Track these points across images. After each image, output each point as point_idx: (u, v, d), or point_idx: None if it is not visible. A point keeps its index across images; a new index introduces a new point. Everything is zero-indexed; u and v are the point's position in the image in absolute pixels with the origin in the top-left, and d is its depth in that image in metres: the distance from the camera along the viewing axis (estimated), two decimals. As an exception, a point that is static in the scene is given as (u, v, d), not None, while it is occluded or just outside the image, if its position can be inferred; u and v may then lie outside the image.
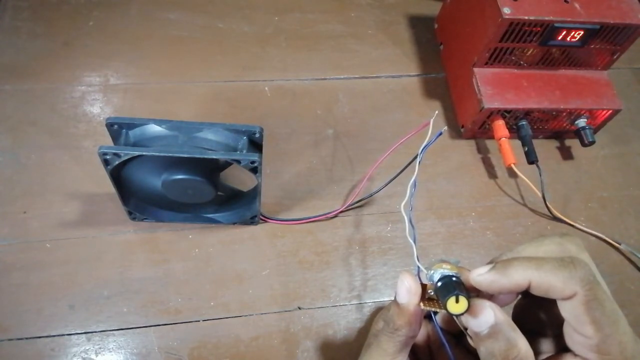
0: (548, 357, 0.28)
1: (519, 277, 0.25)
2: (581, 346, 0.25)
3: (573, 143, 0.58)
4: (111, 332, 0.42)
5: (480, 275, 0.26)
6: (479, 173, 0.55)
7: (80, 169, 0.49)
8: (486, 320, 0.25)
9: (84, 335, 0.42)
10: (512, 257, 0.27)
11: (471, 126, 0.54)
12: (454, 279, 0.26)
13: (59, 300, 0.43)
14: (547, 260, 0.25)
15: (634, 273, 0.51)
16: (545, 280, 0.24)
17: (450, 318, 0.33)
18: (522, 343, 0.25)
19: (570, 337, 0.25)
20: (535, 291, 0.25)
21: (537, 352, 0.29)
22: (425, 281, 0.28)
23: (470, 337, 0.28)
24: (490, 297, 0.27)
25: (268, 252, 0.47)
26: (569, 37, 0.50)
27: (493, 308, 0.26)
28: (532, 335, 0.29)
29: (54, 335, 0.42)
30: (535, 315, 0.29)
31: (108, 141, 0.40)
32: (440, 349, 0.33)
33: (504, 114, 0.53)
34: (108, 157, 0.37)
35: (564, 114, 0.53)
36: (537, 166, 0.52)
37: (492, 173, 0.55)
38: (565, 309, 0.25)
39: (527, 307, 0.30)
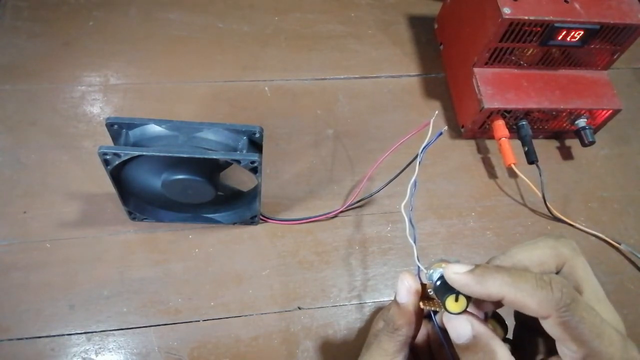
0: (542, 359, 0.28)
1: (493, 289, 0.24)
2: (569, 358, 0.25)
3: (573, 143, 0.58)
4: (111, 332, 0.42)
5: (455, 274, 0.25)
6: (479, 173, 0.55)
7: (80, 169, 0.49)
8: (464, 333, 0.26)
9: (84, 335, 0.42)
10: (495, 265, 0.27)
11: (471, 126, 0.54)
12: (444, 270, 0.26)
13: (59, 300, 0.43)
14: (525, 278, 0.24)
15: (634, 273, 0.51)
16: (519, 299, 0.24)
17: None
18: (501, 353, 0.25)
19: (560, 348, 0.25)
20: (509, 306, 0.25)
21: (536, 352, 0.29)
22: (425, 281, 0.28)
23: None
24: (481, 300, 0.27)
25: (268, 252, 0.47)
26: (569, 37, 0.50)
27: (471, 320, 0.26)
28: (533, 334, 0.29)
29: (54, 335, 0.42)
30: None
31: (108, 141, 0.40)
32: (440, 349, 0.33)
33: (504, 114, 0.53)
34: (108, 157, 0.37)
35: (564, 114, 0.53)
36: (537, 166, 0.52)
37: (492, 173, 0.55)
38: (545, 326, 0.24)
39: None
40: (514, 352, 0.28)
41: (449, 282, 0.26)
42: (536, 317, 0.24)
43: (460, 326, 0.26)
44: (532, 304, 0.24)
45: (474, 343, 0.25)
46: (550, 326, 0.24)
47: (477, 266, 0.26)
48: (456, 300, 0.25)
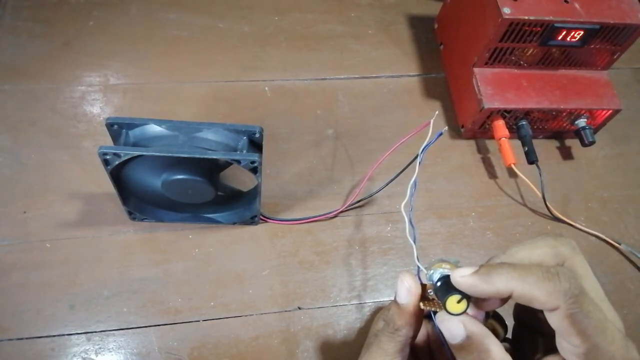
0: (539, 357, 0.28)
1: (501, 285, 0.25)
2: (570, 353, 0.25)
3: (573, 143, 0.58)
4: (111, 332, 0.42)
5: (462, 277, 0.26)
6: (479, 173, 0.55)
7: (80, 169, 0.49)
8: (458, 333, 0.26)
9: (84, 335, 0.42)
10: (500, 262, 0.27)
11: (471, 126, 0.54)
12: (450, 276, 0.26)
13: (59, 300, 0.43)
14: (532, 270, 0.24)
15: (634, 273, 0.51)
16: (527, 292, 0.24)
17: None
18: (495, 351, 0.25)
19: (560, 343, 0.25)
20: (517, 301, 0.25)
21: (535, 350, 0.29)
22: (425, 281, 0.28)
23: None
24: (481, 300, 0.27)
25: (268, 252, 0.47)
26: (569, 37, 0.50)
27: (463, 320, 0.26)
28: (532, 333, 0.29)
29: (54, 335, 0.42)
30: (534, 313, 0.29)
31: (108, 141, 0.40)
32: (440, 349, 0.33)
33: (504, 114, 0.53)
34: (108, 157, 0.37)
35: (564, 114, 0.53)
36: (537, 166, 0.52)
37: (492, 173, 0.55)
38: (551, 320, 0.24)
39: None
40: (513, 351, 0.28)
41: (457, 286, 0.26)
42: (544, 309, 0.24)
43: (454, 326, 0.26)
44: (541, 296, 0.24)
45: (468, 343, 0.26)
46: (556, 319, 0.24)
47: (481, 266, 0.26)
48: (459, 301, 0.25)
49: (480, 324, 0.26)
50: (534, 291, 0.24)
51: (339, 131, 0.55)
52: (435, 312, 0.29)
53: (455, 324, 0.26)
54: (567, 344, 0.24)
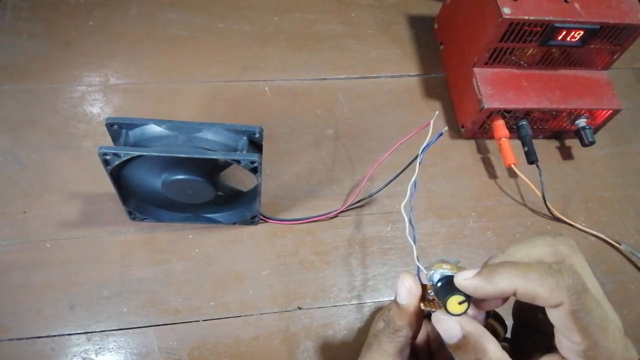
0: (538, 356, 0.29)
1: (504, 284, 0.25)
2: (569, 351, 0.25)
3: (573, 143, 0.58)
4: (111, 332, 0.42)
5: (465, 280, 0.26)
6: (479, 173, 0.55)
7: (80, 169, 0.49)
8: (454, 333, 0.26)
9: (84, 335, 0.42)
10: (500, 261, 0.27)
11: (471, 126, 0.54)
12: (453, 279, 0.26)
13: (59, 300, 0.43)
14: (534, 267, 0.24)
15: (634, 273, 0.51)
16: (531, 289, 0.24)
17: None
18: (492, 349, 0.25)
19: (559, 341, 0.25)
20: (521, 298, 0.25)
21: (535, 349, 0.29)
22: (425, 281, 0.28)
23: None
24: (481, 299, 0.27)
25: (268, 252, 0.47)
26: (569, 37, 0.50)
27: (459, 320, 0.26)
28: (532, 332, 0.29)
29: (54, 335, 0.42)
30: (534, 312, 0.29)
31: (108, 141, 0.40)
32: (440, 349, 0.33)
33: (504, 114, 0.53)
34: (108, 157, 0.37)
35: (564, 114, 0.53)
36: (537, 166, 0.52)
37: (492, 173, 0.55)
38: (553, 316, 0.24)
39: (526, 304, 0.30)
40: (512, 350, 0.28)
41: (461, 289, 0.26)
42: (547, 306, 0.24)
43: (450, 326, 0.26)
44: (544, 292, 0.24)
45: (465, 342, 0.26)
46: (559, 315, 0.24)
47: (483, 267, 0.26)
48: (461, 302, 0.25)
49: (477, 323, 0.26)
50: (537, 288, 0.24)
51: (339, 131, 0.55)
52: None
53: (451, 324, 0.26)
54: (567, 341, 0.24)
